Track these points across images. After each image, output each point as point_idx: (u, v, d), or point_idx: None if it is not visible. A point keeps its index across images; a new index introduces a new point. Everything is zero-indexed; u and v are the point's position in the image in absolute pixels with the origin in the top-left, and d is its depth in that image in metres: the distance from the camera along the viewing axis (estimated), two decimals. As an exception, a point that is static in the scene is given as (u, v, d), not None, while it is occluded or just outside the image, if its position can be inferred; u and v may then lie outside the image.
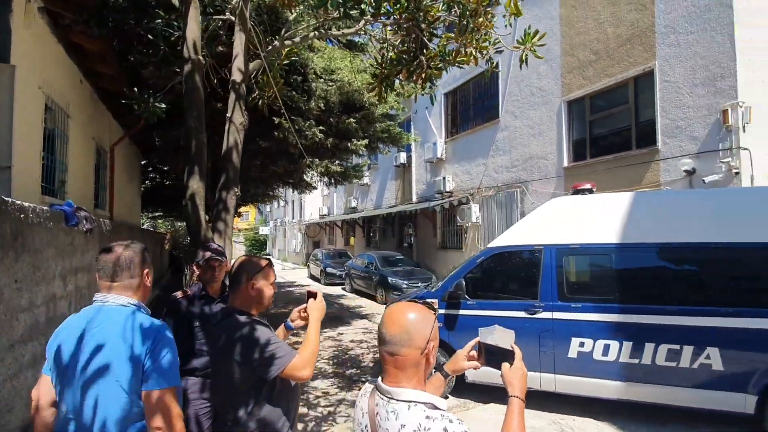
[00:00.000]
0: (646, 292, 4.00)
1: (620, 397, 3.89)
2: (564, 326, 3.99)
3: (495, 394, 4.28)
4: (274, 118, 5.66)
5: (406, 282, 11.06)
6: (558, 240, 4.24)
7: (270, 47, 3.41)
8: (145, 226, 15.44)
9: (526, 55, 2.93)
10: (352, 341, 7.18)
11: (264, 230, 38.09)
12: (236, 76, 3.21)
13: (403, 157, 15.48)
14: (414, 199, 15.10)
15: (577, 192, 4.70)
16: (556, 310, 4.06)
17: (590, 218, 4.28)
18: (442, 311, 4.49)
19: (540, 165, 9.85)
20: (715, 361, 3.54)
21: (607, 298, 4.01)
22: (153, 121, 3.18)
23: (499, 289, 4.64)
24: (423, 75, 3.47)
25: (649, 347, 3.71)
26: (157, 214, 16.70)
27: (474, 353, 1.46)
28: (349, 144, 6.43)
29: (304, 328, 1.84)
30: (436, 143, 13.42)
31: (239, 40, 3.26)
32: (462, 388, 4.47)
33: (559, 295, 4.10)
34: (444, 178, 12.97)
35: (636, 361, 3.75)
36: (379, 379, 1.22)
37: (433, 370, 1.34)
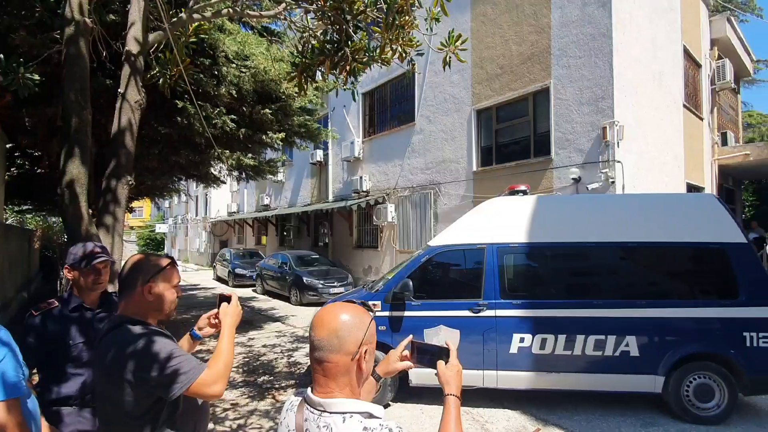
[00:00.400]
0: (576, 287, 4.38)
1: (556, 388, 4.16)
2: (506, 323, 4.11)
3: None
4: (178, 102, 5.08)
5: (321, 282, 10.84)
6: (499, 239, 4.35)
7: (175, 19, 3.01)
8: (9, 221, 12.93)
9: (450, 57, 2.99)
10: (264, 346, 6.79)
11: (161, 228, 34.50)
12: (132, 47, 2.77)
13: (319, 154, 15.18)
14: (330, 197, 14.90)
15: (513, 193, 4.88)
16: (498, 307, 4.16)
17: (526, 219, 4.47)
18: (385, 313, 4.29)
19: (452, 168, 10.38)
20: (633, 348, 3.96)
21: (544, 294, 4.28)
22: (24, 96, 2.59)
23: (444, 288, 4.58)
24: (347, 68, 3.35)
25: (580, 339, 4.01)
26: (25, 207, 14.07)
27: (407, 353, 1.41)
28: (264, 136, 6.04)
29: (216, 336, 1.61)
30: (353, 142, 13.40)
31: (137, 7, 2.82)
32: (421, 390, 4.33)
33: (501, 293, 4.20)
34: (361, 178, 13.00)
35: (569, 352, 4.01)
36: (308, 390, 1.10)
37: None
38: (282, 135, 6.17)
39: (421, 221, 11.24)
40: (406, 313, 4.26)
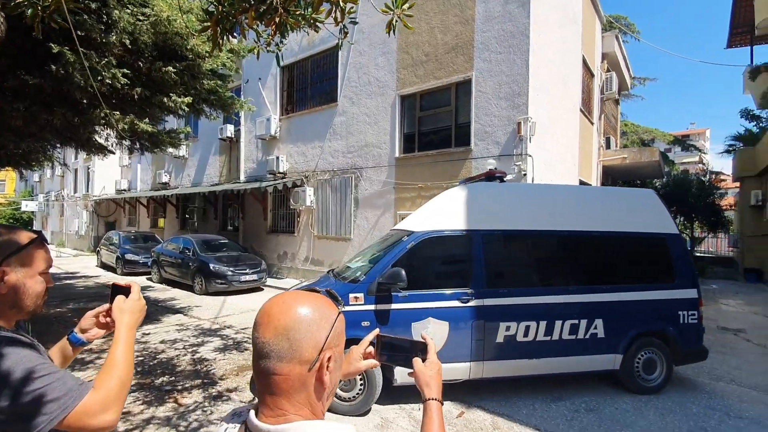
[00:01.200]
0: (553, 274, 4.50)
1: (536, 373, 4.25)
2: (493, 312, 4.06)
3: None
4: (53, 46, 4.05)
5: (231, 269, 9.99)
6: (483, 226, 4.24)
7: None
8: None
9: (396, 21, 2.70)
10: (162, 342, 5.98)
11: (29, 206, 29.08)
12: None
13: (230, 129, 13.93)
14: (242, 178, 13.80)
15: (491, 178, 4.82)
16: (486, 296, 4.08)
17: (506, 205, 4.47)
18: (370, 307, 3.88)
19: (374, 153, 10.22)
20: (600, 330, 4.25)
21: (526, 282, 4.32)
22: None
23: (431, 278, 4.21)
24: (276, 20, 2.87)
25: (558, 324, 4.15)
26: None
27: (372, 349, 1.14)
28: (165, 99, 5.14)
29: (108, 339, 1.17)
30: (269, 119, 12.50)
31: None
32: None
33: (488, 282, 4.13)
34: (277, 158, 12.22)
35: (548, 337, 4.13)
36: (251, 413, 0.79)
37: None
38: (188, 100, 5.32)
39: (341, 206, 10.95)
40: (393, 306, 3.91)
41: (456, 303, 4.00)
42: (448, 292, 4.06)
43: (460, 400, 4.18)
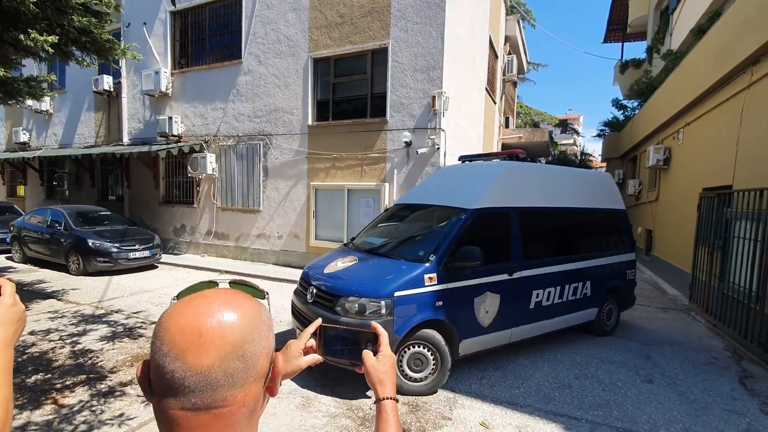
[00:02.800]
0: (564, 246, 5.19)
1: (551, 330, 4.89)
2: (529, 282, 4.50)
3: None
4: None
5: (117, 245, 8.73)
6: (516, 203, 4.57)
7: None
8: None
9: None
10: (32, 333, 5.01)
11: None
12: None
13: (107, 81, 11.87)
14: (125, 139, 11.97)
15: (511, 158, 5.05)
16: (523, 269, 4.45)
17: (528, 185, 4.83)
18: (441, 287, 3.84)
19: (285, 119, 9.59)
20: (589, 290, 5.22)
21: (546, 253, 4.87)
22: None
23: (484, 253, 4.03)
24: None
25: (567, 288, 4.93)
26: None
27: (312, 343, 0.98)
28: (22, 36, 4.02)
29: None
30: (159, 73, 10.90)
31: None
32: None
33: (524, 255, 4.48)
34: (170, 119, 10.80)
35: (561, 300, 4.87)
36: None
37: None
38: (53, 39, 4.25)
39: (248, 175, 10.18)
40: (459, 284, 3.94)
41: (505, 276, 4.29)
42: (499, 266, 4.29)
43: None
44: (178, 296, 0.68)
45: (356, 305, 3.65)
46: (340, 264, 4.25)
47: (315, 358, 0.97)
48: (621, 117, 16.48)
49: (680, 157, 9.27)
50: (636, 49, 44.70)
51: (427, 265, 3.86)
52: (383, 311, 3.60)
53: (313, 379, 3.98)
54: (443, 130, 8.07)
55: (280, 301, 7.02)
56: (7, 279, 0.81)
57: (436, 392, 3.85)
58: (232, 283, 0.75)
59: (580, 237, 5.44)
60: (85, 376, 3.93)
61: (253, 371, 0.60)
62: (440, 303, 3.83)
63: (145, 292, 7.26)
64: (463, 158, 5.58)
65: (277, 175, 9.79)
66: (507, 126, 15.68)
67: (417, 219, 5.03)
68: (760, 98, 5.77)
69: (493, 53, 13.20)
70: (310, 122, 9.27)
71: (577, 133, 33.17)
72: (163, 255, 10.28)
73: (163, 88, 10.95)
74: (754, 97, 5.95)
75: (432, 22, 7.99)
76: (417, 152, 8.07)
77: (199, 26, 10.96)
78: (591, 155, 26.58)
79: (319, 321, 1.00)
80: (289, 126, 9.54)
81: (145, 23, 11.30)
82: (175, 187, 11.58)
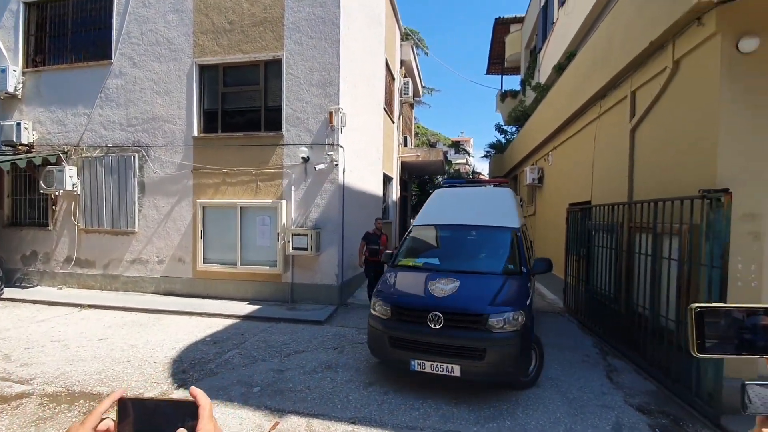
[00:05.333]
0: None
1: None
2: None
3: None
4: None
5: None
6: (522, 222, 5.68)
7: None
8: None
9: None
10: None
11: None
12: None
13: (-76, 76, 9.43)
14: (-51, 148, 9.56)
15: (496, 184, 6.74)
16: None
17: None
18: (531, 292, 4.63)
19: (166, 129, 8.58)
20: None
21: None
22: None
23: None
24: None
25: None
26: None
27: (110, 424, 0.67)
28: None
29: None
30: (5, 70, 9.02)
31: None
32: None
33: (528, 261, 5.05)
34: (19, 125, 8.96)
35: None
36: None
37: None
38: None
39: (120, 191, 8.83)
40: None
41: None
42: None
43: (273, 409, 3.80)
44: None
45: (503, 318, 3.96)
46: (449, 287, 4.35)
47: None
48: (503, 140, 18.33)
49: (551, 177, 10.51)
50: (514, 81, 50.85)
51: (520, 276, 4.67)
52: (521, 319, 4.03)
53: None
54: (342, 147, 7.96)
55: (160, 336, 6.07)
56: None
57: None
58: None
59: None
60: None
61: None
62: (530, 304, 4.39)
63: (-35, 341, 5.69)
64: (449, 183, 6.68)
65: (156, 191, 8.65)
66: (405, 145, 16.32)
67: (461, 238, 5.48)
68: (606, 128, 6.76)
69: (390, 75, 13.69)
70: (195, 133, 8.42)
71: (469, 154, 36.23)
72: (5, 289, 8.33)
73: (11, 89, 9.06)
74: (602, 127, 6.96)
75: (327, 38, 7.91)
76: (315, 168, 7.80)
77: (60, 20, 9.36)
78: (480, 174, 29.13)
79: (120, 392, 0.69)
80: (171, 137, 8.54)
81: (-19, 8, 9.31)
82: (25, 205, 9.54)
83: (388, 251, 5.79)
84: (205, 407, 0.69)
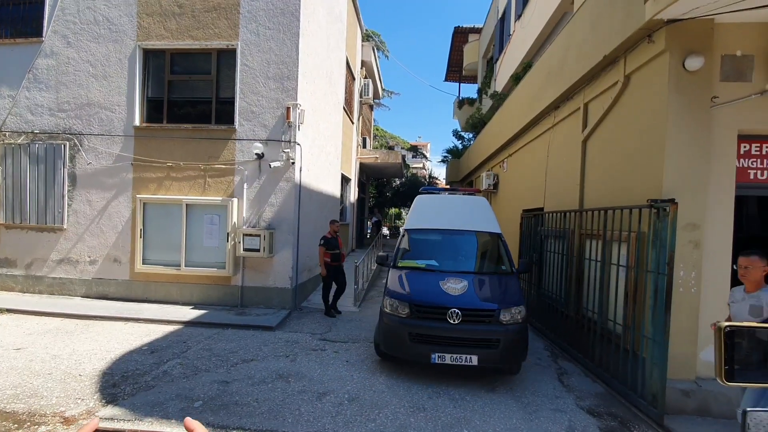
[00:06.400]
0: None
1: None
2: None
3: None
4: None
5: None
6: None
7: None
8: None
9: None
10: None
11: None
12: None
13: None
14: None
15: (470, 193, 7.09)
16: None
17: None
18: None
19: (103, 117, 7.83)
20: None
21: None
22: None
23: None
24: None
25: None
26: None
27: None
28: None
29: None
30: None
31: None
32: None
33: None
34: None
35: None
36: None
37: None
38: None
39: (47, 183, 7.93)
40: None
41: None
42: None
43: (216, 425, 3.48)
44: None
45: (511, 312, 4.57)
46: (459, 287, 4.82)
47: None
48: (460, 146, 18.70)
49: (506, 183, 10.79)
50: (471, 89, 52.39)
51: (513, 275, 5.31)
52: (523, 313, 4.66)
53: None
54: (299, 144, 7.65)
55: (89, 345, 5.47)
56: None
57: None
58: None
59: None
60: None
61: None
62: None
63: None
64: (427, 190, 7.13)
65: (89, 184, 7.86)
66: (365, 146, 16.16)
67: (454, 241, 5.86)
68: (560, 137, 7.00)
69: (351, 74, 13.49)
70: (137, 122, 7.75)
71: (426, 158, 36.71)
72: None
73: None
74: (556, 136, 7.20)
75: (286, 30, 7.58)
76: (270, 165, 7.43)
77: (-24, -13, 8.27)
78: (437, 178, 29.59)
79: (95, 422, 0.69)
80: (108, 125, 7.80)
81: None
82: None
83: (381, 254, 6.16)
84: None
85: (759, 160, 4.23)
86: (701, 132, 4.07)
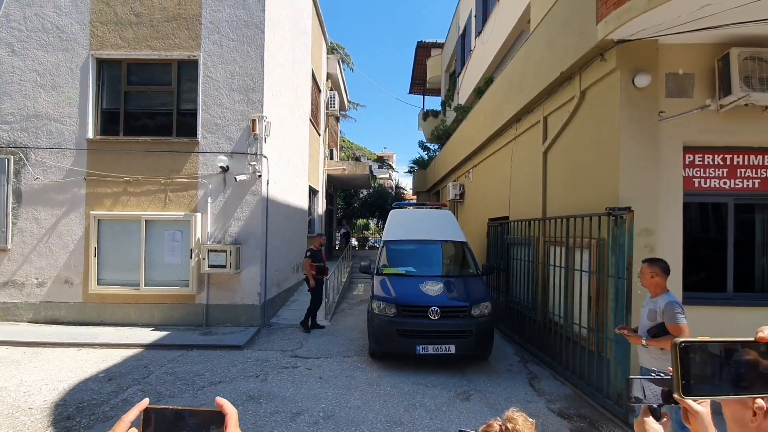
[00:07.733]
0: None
1: None
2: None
3: None
4: None
5: None
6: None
7: None
8: None
9: None
10: None
11: None
12: None
13: None
14: None
15: (433, 207, 8.25)
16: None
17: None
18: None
19: (52, 129, 7.37)
20: None
21: None
22: None
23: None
24: None
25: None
26: None
27: None
28: None
29: None
30: None
31: None
32: None
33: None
34: None
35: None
36: None
37: None
38: None
39: (-15, 201, 7.32)
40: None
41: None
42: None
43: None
44: None
45: (480, 307, 5.43)
46: (436, 288, 5.67)
47: None
48: (426, 157, 19.02)
49: (471, 193, 11.06)
50: (435, 101, 53.61)
51: (479, 277, 6.21)
52: (490, 307, 5.54)
53: None
54: (265, 157, 7.51)
55: (38, 374, 5.05)
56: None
57: None
58: None
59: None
60: None
61: None
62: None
63: None
64: (399, 205, 8.60)
65: (36, 201, 7.34)
66: (332, 158, 16.10)
67: (427, 250, 6.77)
68: (522, 149, 7.29)
69: (317, 87, 13.47)
70: (90, 135, 7.35)
71: (393, 169, 37.04)
72: None
73: None
74: (518, 148, 7.49)
75: (251, 42, 7.49)
76: (236, 179, 7.24)
77: None
78: (404, 189, 29.88)
79: (145, 402, 0.71)
80: (58, 138, 7.35)
81: None
82: None
83: (364, 263, 6.80)
84: (231, 416, 0.68)
85: (702, 170, 4.58)
86: (651, 144, 4.36)
